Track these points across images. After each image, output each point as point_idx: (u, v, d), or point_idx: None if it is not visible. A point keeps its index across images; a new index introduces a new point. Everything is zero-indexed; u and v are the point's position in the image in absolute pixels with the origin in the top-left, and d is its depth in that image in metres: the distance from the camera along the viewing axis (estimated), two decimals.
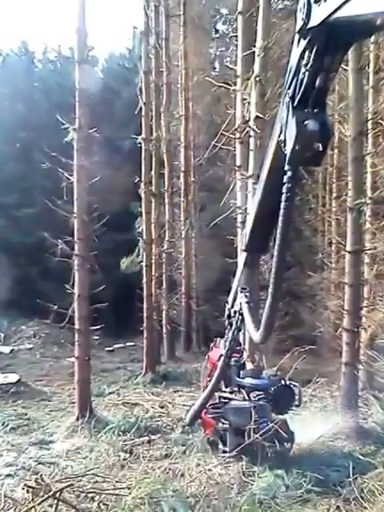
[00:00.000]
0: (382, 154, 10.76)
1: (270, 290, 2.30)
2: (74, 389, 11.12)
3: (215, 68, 24.31)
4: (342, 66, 12.11)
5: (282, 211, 2.08)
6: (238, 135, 9.87)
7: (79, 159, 9.20)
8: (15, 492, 6.75)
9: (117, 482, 6.90)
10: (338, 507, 6.29)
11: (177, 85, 18.93)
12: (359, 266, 9.54)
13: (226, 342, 4.37)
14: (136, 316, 16.04)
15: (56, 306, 9.90)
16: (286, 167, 2.02)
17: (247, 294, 3.67)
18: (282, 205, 2.09)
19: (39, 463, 7.87)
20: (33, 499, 4.89)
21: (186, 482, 7.00)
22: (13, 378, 12.13)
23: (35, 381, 13.47)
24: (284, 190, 2.02)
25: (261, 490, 6.68)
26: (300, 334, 15.17)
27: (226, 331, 4.47)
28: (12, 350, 18.46)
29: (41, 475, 5.89)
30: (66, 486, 5.43)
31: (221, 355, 4.21)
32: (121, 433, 9.10)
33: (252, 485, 6.99)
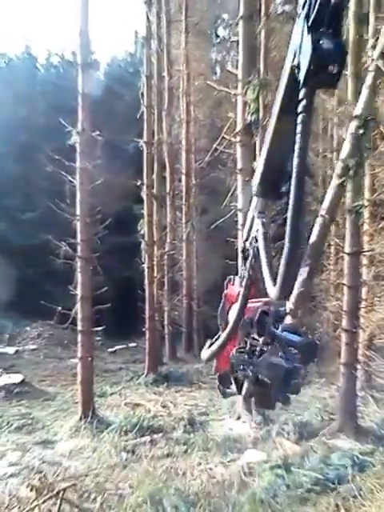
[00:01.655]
0: (379, 157, 10.84)
1: (288, 233, 2.06)
2: (77, 389, 11.28)
3: (216, 72, 24.45)
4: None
5: (297, 144, 1.96)
6: (238, 138, 9.97)
7: (82, 162, 9.32)
8: (19, 491, 6.93)
9: (119, 481, 7.04)
10: (337, 505, 6.39)
11: (178, 89, 19.07)
12: (358, 267, 9.64)
13: (241, 279, 3.87)
14: (137, 317, 16.17)
15: (60, 308, 10.02)
16: (301, 94, 1.98)
17: (264, 219, 3.06)
18: (298, 138, 1.96)
19: (43, 463, 7.99)
20: (36, 498, 5.00)
21: (187, 481, 7.14)
22: (17, 378, 12.26)
23: (39, 381, 13.61)
24: (299, 120, 1.93)
25: (261, 488, 6.81)
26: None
27: (241, 268, 3.98)
28: (16, 351, 18.59)
29: (44, 475, 6.01)
30: (69, 486, 5.55)
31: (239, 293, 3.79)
32: (123, 433, 9.24)
33: (253, 484, 7.14)
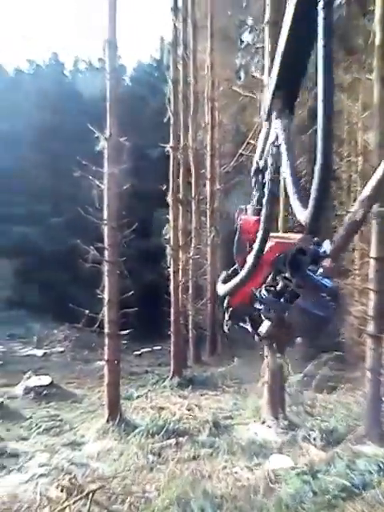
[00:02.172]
0: None
1: (319, 144, 1.74)
2: (103, 391, 11.45)
3: (241, 77, 24.50)
4: (367, 75, 12.21)
5: (321, 42, 1.73)
6: None
7: (109, 167, 9.48)
8: (49, 491, 7.10)
9: (146, 483, 7.14)
10: None
11: (203, 94, 19.17)
12: None
13: (257, 207, 3.37)
14: (162, 321, 16.30)
15: (87, 311, 10.19)
16: None
17: (287, 120, 2.54)
18: (320, 35, 1.72)
19: (71, 464, 8.12)
20: (67, 499, 5.13)
21: (213, 484, 7.20)
22: (45, 380, 12.48)
23: (66, 383, 13.82)
24: (320, 15, 1.73)
25: (288, 494, 6.82)
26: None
27: (254, 192, 3.41)
28: (45, 353, 18.91)
29: (74, 476, 6.13)
30: (99, 488, 5.66)
31: (257, 221, 3.00)
32: (149, 435, 9.34)
33: (279, 489, 7.16)
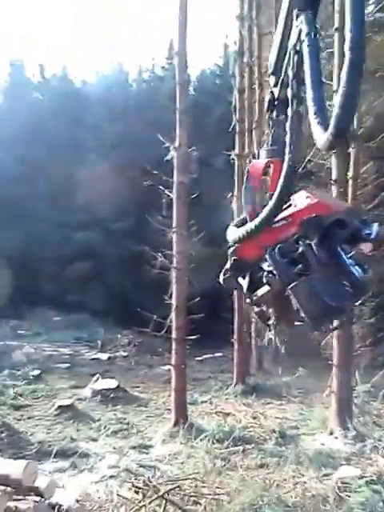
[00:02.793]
0: None
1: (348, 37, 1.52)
2: (169, 396, 11.61)
3: None
4: None
5: None
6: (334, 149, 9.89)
7: (178, 176, 9.66)
8: (119, 492, 7.27)
9: (216, 487, 7.19)
10: None
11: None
12: None
13: (271, 144, 2.83)
14: (223, 327, 16.35)
15: (155, 316, 10.40)
16: None
17: (311, 14, 2.10)
18: None
19: (140, 466, 8.31)
20: (143, 498, 5.24)
21: (282, 493, 7.15)
22: (112, 383, 12.78)
23: (132, 387, 14.05)
24: None
25: (358, 504, 6.71)
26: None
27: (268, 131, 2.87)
28: (109, 357, 19.36)
29: (148, 477, 6.26)
30: (174, 488, 5.75)
31: (268, 164, 2.88)
32: (215, 441, 9.40)
33: (348, 499, 7.03)
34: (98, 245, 27.30)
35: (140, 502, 5.52)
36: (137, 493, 5.98)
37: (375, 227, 2.47)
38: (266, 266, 2.66)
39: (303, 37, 1.98)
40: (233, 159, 15.07)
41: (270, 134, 2.85)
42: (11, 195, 26.53)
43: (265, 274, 2.67)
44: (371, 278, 2.43)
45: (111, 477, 7.97)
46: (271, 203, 2.43)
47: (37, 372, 15.16)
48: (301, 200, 2.61)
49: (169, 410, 11.33)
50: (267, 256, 2.57)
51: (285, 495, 6.91)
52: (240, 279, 3.01)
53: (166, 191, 10.09)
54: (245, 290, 2.94)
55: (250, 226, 2.63)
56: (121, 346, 21.51)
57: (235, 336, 14.79)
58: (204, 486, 7.07)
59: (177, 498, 6.04)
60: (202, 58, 55.09)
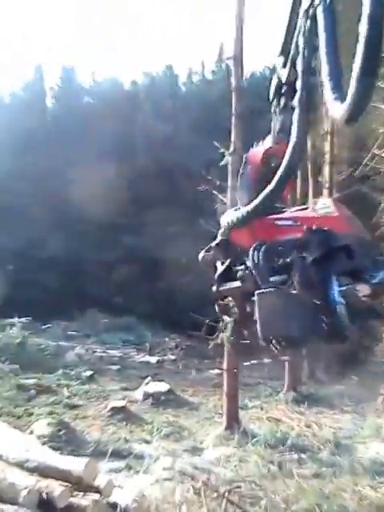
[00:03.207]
0: None
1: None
2: (219, 400, 11.66)
3: None
4: None
5: None
6: None
7: (233, 181, 9.68)
8: (174, 493, 7.35)
9: (271, 492, 7.14)
10: None
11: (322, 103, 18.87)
12: None
13: (277, 132, 2.55)
14: None
15: (207, 320, 10.45)
16: None
17: None
18: None
19: (194, 468, 8.34)
20: (205, 497, 5.29)
21: (339, 501, 7.03)
22: (163, 386, 12.89)
23: (181, 390, 14.14)
24: None
25: None
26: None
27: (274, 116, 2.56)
28: (158, 361, 19.54)
29: (207, 478, 6.30)
30: (234, 488, 5.77)
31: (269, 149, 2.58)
32: (268, 446, 9.35)
33: None
34: (145, 248, 27.63)
35: (200, 501, 5.56)
36: (196, 493, 6.01)
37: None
38: (247, 260, 2.42)
39: (317, 0, 1.81)
40: None
41: (275, 123, 2.56)
42: (62, 198, 27.24)
43: (243, 267, 2.45)
44: (356, 330, 2.07)
45: (166, 479, 8.07)
46: (270, 186, 2.18)
47: (89, 373, 15.50)
48: (321, 207, 2.40)
49: (220, 414, 11.35)
50: (251, 251, 2.33)
51: (342, 503, 6.80)
52: (218, 263, 2.75)
53: (220, 196, 10.13)
54: (217, 275, 2.69)
55: (244, 209, 2.40)
56: (168, 349, 21.68)
57: None
58: (260, 490, 7.04)
59: (236, 499, 6.05)
60: (254, 60, 54.68)
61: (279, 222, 2.40)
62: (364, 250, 2.15)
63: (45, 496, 5.71)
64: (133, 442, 9.66)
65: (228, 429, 10.08)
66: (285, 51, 2.43)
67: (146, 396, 12.71)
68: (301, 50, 2.09)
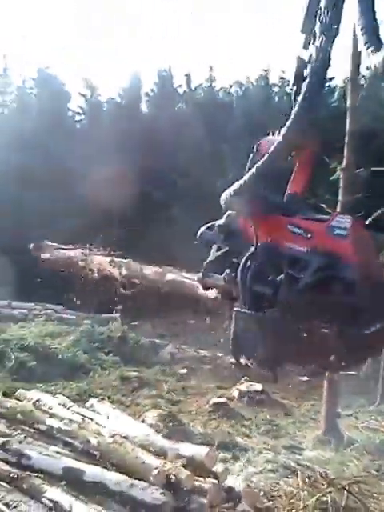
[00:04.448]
0: None
1: None
2: (312, 405, 12.11)
3: None
4: None
5: None
6: None
7: (344, 196, 10.10)
8: (280, 485, 7.97)
9: (375, 493, 7.55)
10: None
11: None
12: None
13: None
14: None
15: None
16: None
17: None
18: None
19: (297, 464, 8.90)
20: (326, 488, 5.83)
21: None
22: (257, 386, 13.46)
23: (272, 392, 14.62)
24: None
25: None
26: None
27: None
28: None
29: (325, 472, 6.83)
30: (355, 482, 6.25)
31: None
32: (366, 452, 9.70)
33: None
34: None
35: (311, 493, 6.10)
36: (311, 485, 6.57)
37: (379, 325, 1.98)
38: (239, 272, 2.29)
39: None
40: None
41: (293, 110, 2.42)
42: (150, 204, 28.23)
43: (232, 266, 2.38)
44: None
45: (270, 471, 8.71)
46: (287, 125, 2.09)
47: (184, 370, 16.32)
48: (338, 224, 2.26)
49: (313, 418, 11.81)
50: (242, 263, 2.25)
51: None
52: (214, 246, 2.70)
53: (328, 210, 10.55)
54: (207, 261, 2.66)
55: (257, 164, 2.30)
56: None
57: None
58: (365, 492, 7.45)
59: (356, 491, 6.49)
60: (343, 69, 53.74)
61: (291, 227, 2.32)
62: (367, 288, 2.00)
63: (172, 477, 6.51)
64: (235, 436, 10.35)
65: (325, 433, 10.51)
66: (307, 26, 2.41)
67: (242, 395, 13.32)
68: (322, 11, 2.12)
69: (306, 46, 2.39)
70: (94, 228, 24.09)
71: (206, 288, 2.74)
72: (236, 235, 2.59)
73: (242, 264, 2.29)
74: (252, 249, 2.32)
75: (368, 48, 1.75)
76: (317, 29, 2.23)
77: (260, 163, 2.30)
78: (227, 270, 2.46)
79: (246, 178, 2.36)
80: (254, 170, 2.29)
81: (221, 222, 2.75)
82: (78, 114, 36.31)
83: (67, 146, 28.66)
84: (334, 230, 2.21)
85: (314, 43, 2.28)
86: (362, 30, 1.83)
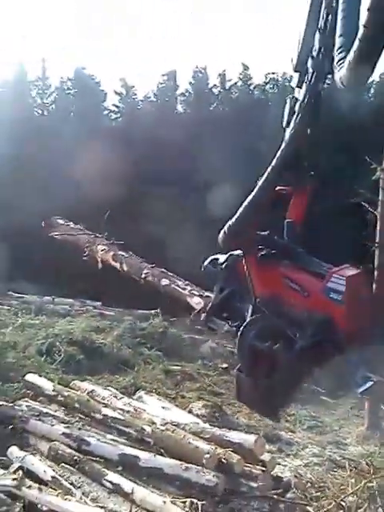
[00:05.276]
0: None
1: None
2: (354, 402, 12.16)
3: None
4: None
5: None
6: None
7: None
8: (326, 476, 8.15)
9: None
10: None
11: None
12: None
13: None
14: None
15: None
16: None
17: None
18: None
19: (343, 459, 9.05)
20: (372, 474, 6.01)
21: None
22: None
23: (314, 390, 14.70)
24: None
25: None
26: None
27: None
28: None
29: (370, 461, 7.00)
30: None
31: None
32: None
33: None
34: None
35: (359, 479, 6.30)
36: (356, 473, 6.76)
37: (368, 384, 2.00)
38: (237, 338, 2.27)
39: None
40: None
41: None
42: (184, 206, 28.35)
43: (234, 316, 2.39)
44: None
45: (316, 464, 8.91)
46: (272, 164, 2.16)
47: (225, 365, 16.54)
48: (335, 285, 2.35)
49: (357, 416, 11.88)
50: (242, 329, 2.33)
51: None
52: (217, 286, 2.76)
53: (370, 209, 10.66)
54: (212, 303, 2.66)
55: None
56: None
57: None
58: None
59: None
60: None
61: (289, 281, 2.39)
62: (357, 353, 2.09)
63: (224, 461, 6.81)
64: (279, 429, 10.54)
65: (369, 429, 10.60)
66: (301, 66, 2.55)
67: None
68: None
69: (299, 85, 2.66)
70: (131, 228, 24.40)
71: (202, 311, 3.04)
72: (236, 278, 2.75)
73: (241, 330, 2.45)
74: (250, 309, 2.52)
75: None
76: (309, 64, 2.38)
77: (247, 201, 2.43)
78: (229, 322, 2.66)
79: (237, 215, 2.47)
80: (241, 208, 2.41)
81: (222, 260, 2.93)
82: (114, 112, 36.62)
83: (105, 145, 29.06)
84: (329, 293, 2.39)
85: (305, 80, 2.42)
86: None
